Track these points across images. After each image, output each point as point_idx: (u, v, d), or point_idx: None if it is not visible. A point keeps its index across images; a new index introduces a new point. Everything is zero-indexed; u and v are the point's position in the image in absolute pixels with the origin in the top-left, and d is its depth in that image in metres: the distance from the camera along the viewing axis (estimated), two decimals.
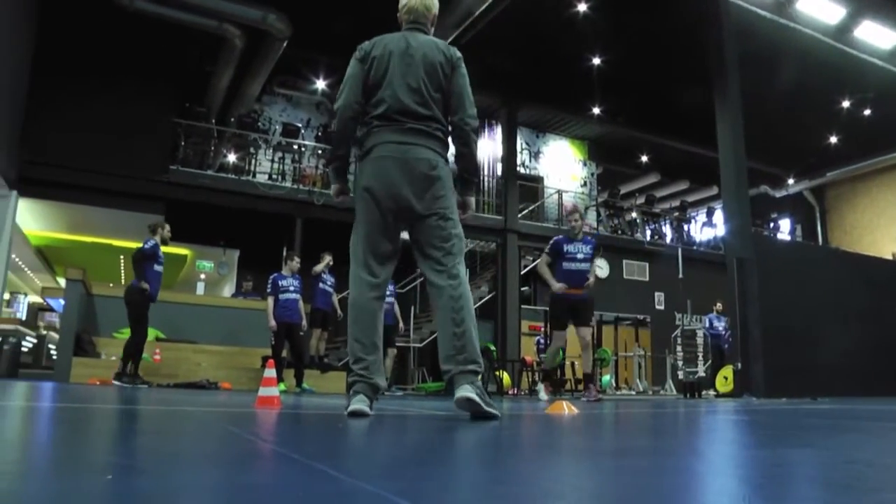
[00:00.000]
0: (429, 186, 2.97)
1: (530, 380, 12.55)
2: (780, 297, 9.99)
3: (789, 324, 9.95)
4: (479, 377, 2.89)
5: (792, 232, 22.34)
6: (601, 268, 6.37)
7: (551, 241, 7.44)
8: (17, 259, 18.55)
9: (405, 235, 3.12)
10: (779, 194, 21.59)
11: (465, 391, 2.75)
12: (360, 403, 2.86)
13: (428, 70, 3.04)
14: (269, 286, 9.30)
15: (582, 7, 13.23)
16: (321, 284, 10.15)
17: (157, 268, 8.55)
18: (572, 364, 13.00)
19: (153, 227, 8.71)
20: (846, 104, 16.74)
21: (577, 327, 7.18)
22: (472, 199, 3.29)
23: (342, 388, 10.51)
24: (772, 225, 21.20)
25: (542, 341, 14.02)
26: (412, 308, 14.21)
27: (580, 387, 12.92)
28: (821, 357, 9.94)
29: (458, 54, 3.15)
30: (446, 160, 3.10)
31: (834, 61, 14.01)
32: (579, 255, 7.14)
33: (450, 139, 3.18)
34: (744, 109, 11.31)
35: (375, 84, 3.05)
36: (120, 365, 8.36)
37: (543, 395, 7.69)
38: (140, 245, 8.52)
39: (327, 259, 10.14)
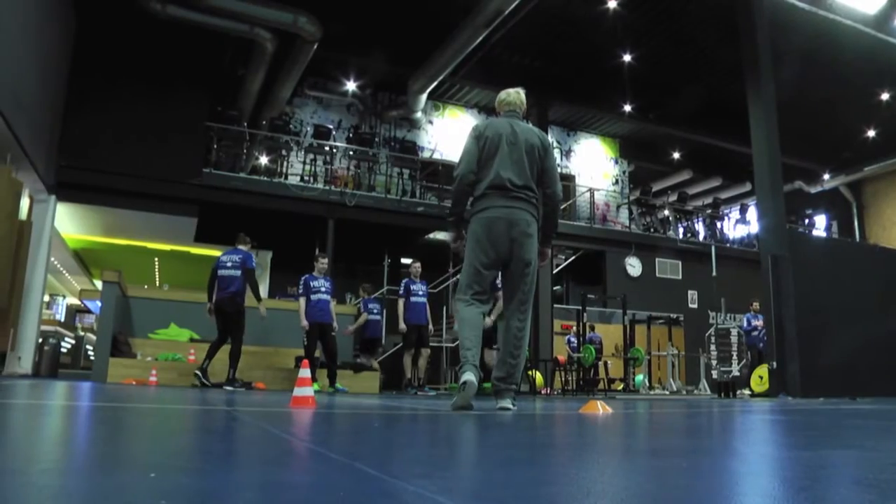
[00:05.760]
0: (524, 240, 3.99)
1: (563, 379, 12.48)
2: (815, 295, 9.82)
3: (825, 322, 9.77)
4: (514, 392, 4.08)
5: (828, 228, 21.90)
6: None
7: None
8: (55, 262, 18.96)
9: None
10: (814, 190, 21.18)
11: (506, 402, 3.95)
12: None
13: (528, 151, 4.07)
14: (300, 287, 9.37)
15: (612, 4, 13.11)
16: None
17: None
18: (605, 363, 12.91)
19: (246, 239, 9.07)
20: (885, 96, 16.35)
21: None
22: (549, 251, 4.42)
23: (375, 388, 10.57)
24: (807, 221, 20.78)
25: (572, 340, 13.94)
26: (444, 308, 14.19)
27: (613, 385, 12.87)
28: (858, 356, 9.74)
29: (549, 140, 4.34)
30: (537, 220, 4.09)
31: (872, 51, 13.67)
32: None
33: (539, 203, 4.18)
34: (778, 103, 11.11)
35: (487, 158, 4.06)
36: (230, 372, 8.62)
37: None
38: (250, 260, 8.90)
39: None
